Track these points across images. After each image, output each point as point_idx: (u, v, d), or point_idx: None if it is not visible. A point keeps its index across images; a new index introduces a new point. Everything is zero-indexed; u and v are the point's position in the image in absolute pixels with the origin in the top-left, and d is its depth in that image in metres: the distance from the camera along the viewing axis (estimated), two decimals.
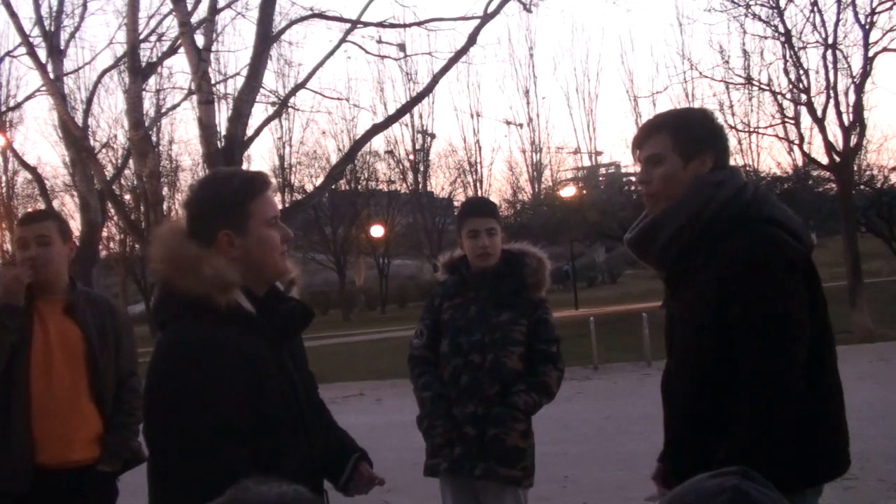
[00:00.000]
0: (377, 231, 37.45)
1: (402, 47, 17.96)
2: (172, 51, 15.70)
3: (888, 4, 14.32)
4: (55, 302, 3.02)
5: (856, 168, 19.45)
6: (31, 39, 15.83)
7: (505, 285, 3.26)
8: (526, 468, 3.18)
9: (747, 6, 15.37)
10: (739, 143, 31.16)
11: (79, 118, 17.84)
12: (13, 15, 15.62)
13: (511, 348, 3.17)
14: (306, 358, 2.20)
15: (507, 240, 3.38)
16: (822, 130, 15.05)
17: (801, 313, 1.96)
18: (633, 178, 36.63)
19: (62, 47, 16.71)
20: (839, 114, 14.89)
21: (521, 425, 3.13)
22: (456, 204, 36.76)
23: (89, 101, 19.91)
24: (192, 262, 1.89)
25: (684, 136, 2.08)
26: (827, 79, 14.85)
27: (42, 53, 15.91)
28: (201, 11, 13.39)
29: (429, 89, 16.98)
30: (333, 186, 28.16)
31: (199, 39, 12.54)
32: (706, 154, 2.08)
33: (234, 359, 1.86)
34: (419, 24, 15.42)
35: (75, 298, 3.05)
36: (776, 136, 19.14)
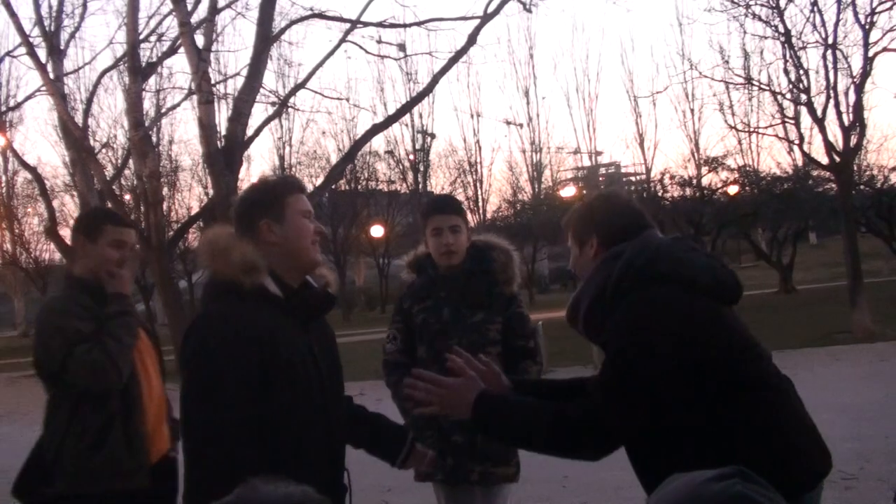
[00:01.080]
0: (377, 231, 37.41)
1: (402, 47, 17.98)
2: (172, 51, 15.70)
3: (888, 4, 14.30)
4: None
5: (856, 168, 19.48)
6: (31, 39, 15.83)
7: (475, 284, 3.19)
8: (517, 463, 3.20)
9: (747, 6, 15.35)
10: (739, 143, 31.26)
11: (79, 118, 17.83)
12: (13, 15, 15.63)
13: (489, 349, 3.11)
14: (336, 350, 2.41)
15: (470, 237, 3.30)
16: (822, 130, 15.03)
17: (655, 375, 2.04)
18: (633, 180, 36.56)
19: (62, 47, 16.71)
20: (839, 114, 14.86)
21: None
22: None
23: (89, 101, 19.90)
24: (224, 249, 2.16)
25: (574, 230, 2.40)
26: (827, 79, 14.84)
27: (42, 53, 15.92)
28: (201, 11, 13.42)
29: (429, 89, 16.98)
30: (333, 186, 28.16)
31: (199, 39, 12.55)
32: (591, 238, 2.32)
33: (254, 332, 2.05)
34: (419, 24, 15.45)
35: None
36: (776, 136, 19.18)
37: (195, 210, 28.34)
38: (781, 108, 16.75)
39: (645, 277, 2.15)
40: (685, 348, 2.05)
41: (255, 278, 2.11)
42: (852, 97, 14.80)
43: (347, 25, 14.36)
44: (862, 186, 23.35)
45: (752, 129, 23.66)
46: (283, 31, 14.24)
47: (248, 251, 2.13)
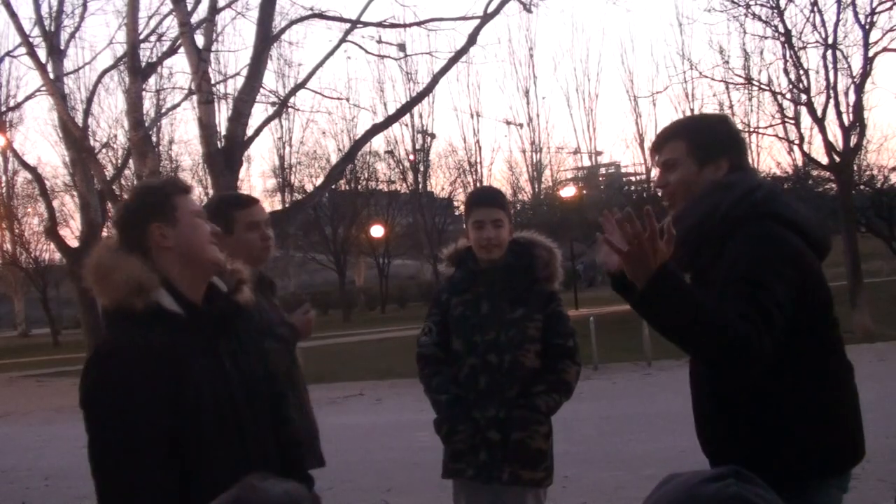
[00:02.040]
0: (377, 231, 37.41)
1: (402, 47, 18.00)
2: (172, 51, 15.70)
3: (888, 4, 14.33)
4: None
5: (856, 168, 19.45)
6: (31, 39, 15.85)
7: (517, 279, 3.14)
8: (548, 468, 3.13)
9: (747, 6, 15.38)
10: None
11: (79, 118, 17.85)
12: (13, 15, 15.64)
13: (528, 346, 3.07)
14: (264, 358, 2.22)
15: (512, 231, 3.25)
16: (822, 130, 15.05)
17: (783, 288, 2.00)
18: (633, 180, 36.71)
19: (62, 47, 16.74)
20: (839, 114, 14.89)
21: (543, 427, 3.06)
22: (456, 204, 36.79)
23: (89, 101, 19.93)
24: (107, 270, 1.98)
25: (699, 142, 2.19)
26: (827, 79, 14.87)
27: (42, 53, 15.94)
28: (201, 11, 13.40)
29: (429, 89, 16.99)
30: (333, 186, 28.15)
31: (199, 39, 12.54)
32: (721, 159, 2.18)
33: (151, 361, 1.89)
34: (419, 24, 15.44)
35: None
36: (776, 136, 19.14)
37: None
38: (781, 108, 16.77)
39: (762, 212, 2.09)
40: (802, 295, 2.03)
41: (147, 297, 1.93)
42: (852, 97, 14.83)
43: (347, 25, 14.35)
44: (862, 186, 23.32)
45: (752, 129, 23.57)
46: (283, 31, 14.23)
47: (133, 269, 1.95)
